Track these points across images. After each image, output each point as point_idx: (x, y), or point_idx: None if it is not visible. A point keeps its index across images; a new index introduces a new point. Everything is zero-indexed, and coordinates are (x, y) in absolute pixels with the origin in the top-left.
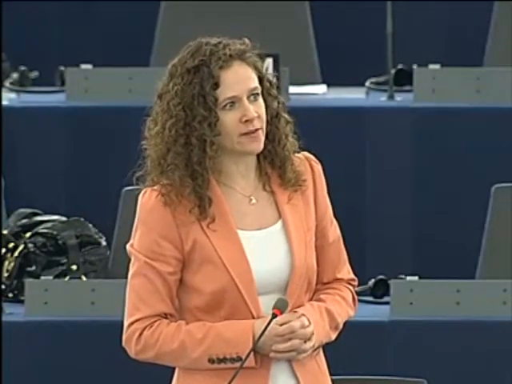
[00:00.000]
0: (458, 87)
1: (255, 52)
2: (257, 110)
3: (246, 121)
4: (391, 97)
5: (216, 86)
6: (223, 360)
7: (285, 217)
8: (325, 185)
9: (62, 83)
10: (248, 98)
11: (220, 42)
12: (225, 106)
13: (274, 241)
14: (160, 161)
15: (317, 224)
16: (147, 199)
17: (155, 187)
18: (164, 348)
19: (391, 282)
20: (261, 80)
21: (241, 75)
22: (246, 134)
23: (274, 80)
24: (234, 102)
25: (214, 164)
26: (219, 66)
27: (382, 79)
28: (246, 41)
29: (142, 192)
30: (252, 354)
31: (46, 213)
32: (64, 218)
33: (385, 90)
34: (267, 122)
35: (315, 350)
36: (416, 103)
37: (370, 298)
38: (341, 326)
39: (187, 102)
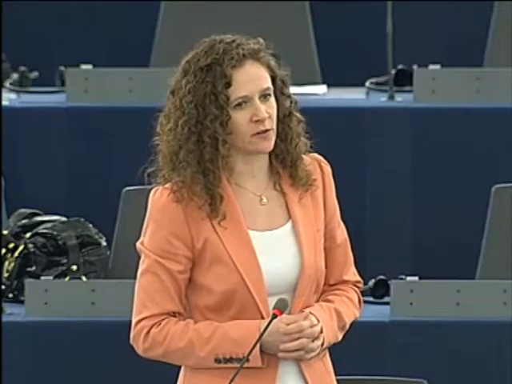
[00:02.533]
0: (458, 87)
1: (269, 51)
2: (268, 110)
3: (257, 121)
4: (391, 97)
5: (228, 85)
6: (230, 360)
7: (295, 218)
8: (333, 186)
9: (62, 83)
10: (260, 98)
11: (234, 41)
12: (236, 105)
13: (283, 242)
14: (172, 157)
15: (325, 225)
16: (159, 197)
17: (166, 185)
18: (171, 346)
19: (391, 282)
20: (274, 79)
21: (253, 75)
22: (257, 134)
23: (287, 79)
24: (245, 101)
25: (226, 163)
26: (232, 65)
27: (382, 79)
28: (261, 40)
29: (154, 190)
30: (258, 353)
31: (46, 213)
32: (64, 219)
33: (385, 91)
34: (279, 120)
35: (323, 349)
36: (416, 103)
37: (371, 298)
38: (347, 326)
39: (199, 100)
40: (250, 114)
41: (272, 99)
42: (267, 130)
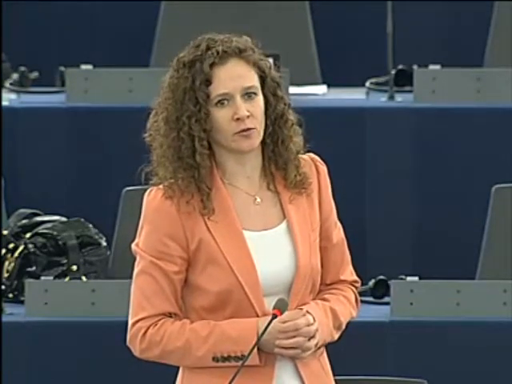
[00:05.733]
0: (458, 87)
1: (259, 51)
2: (251, 109)
3: (238, 119)
4: (391, 97)
5: (208, 82)
6: (227, 358)
7: (289, 217)
8: (329, 186)
9: (62, 84)
10: (242, 96)
11: (222, 39)
12: (217, 102)
13: (278, 242)
14: (157, 152)
15: (321, 225)
16: (153, 198)
17: (160, 186)
18: (169, 346)
19: (391, 282)
20: (264, 79)
21: (234, 73)
22: (238, 133)
23: (281, 81)
24: (226, 99)
25: (204, 160)
26: (211, 62)
27: (382, 80)
28: (248, 39)
29: (148, 191)
30: (256, 352)
31: (46, 213)
32: (64, 219)
33: (385, 91)
34: (271, 122)
35: (318, 348)
36: (416, 104)
37: (371, 299)
38: (344, 326)
39: (180, 96)
40: (231, 113)
41: (258, 98)
42: (249, 129)
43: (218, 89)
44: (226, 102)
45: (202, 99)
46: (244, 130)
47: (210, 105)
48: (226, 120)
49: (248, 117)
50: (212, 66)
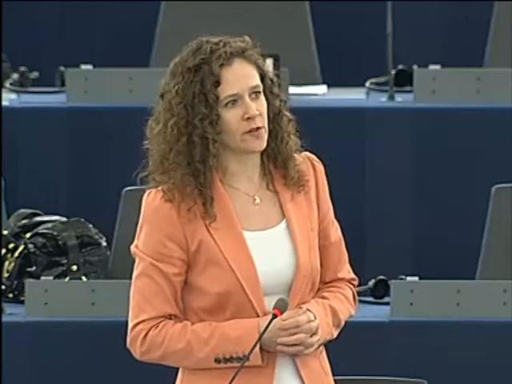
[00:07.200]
0: (458, 88)
1: (256, 50)
2: (258, 107)
3: (248, 118)
4: (391, 97)
5: (217, 83)
6: (229, 359)
7: (289, 217)
8: (326, 185)
9: (62, 84)
10: (250, 95)
11: (221, 40)
12: (226, 103)
13: (278, 241)
14: (162, 160)
15: (319, 223)
16: (152, 200)
17: (159, 188)
18: (170, 348)
19: (391, 282)
20: (262, 78)
21: (242, 73)
22: (248, 132)
23: (276, 78)
24: (235, 99)
25: (217, 162)
26: (220, 63)
27: (382, 80)
28: (247, 38)
29: (147, 193)
30: (258, 352)
31: (46, 213)
32: (64, 219)
33: (385, 91)
34: (269, 120)
35: (319, 346)
36: (416, 104)
37: (371, 299)
38: (342, 323)
39: (188, 100)
40: (241, 113)
41: (262, 97)
42: (258, 128)
43: (227, 90)
44: (235, 102)
45: (213, 101)
46: (253, 130)
47: (219, 106)
48: (235, 120)
49: (258, 115)
50: (220, 67)
